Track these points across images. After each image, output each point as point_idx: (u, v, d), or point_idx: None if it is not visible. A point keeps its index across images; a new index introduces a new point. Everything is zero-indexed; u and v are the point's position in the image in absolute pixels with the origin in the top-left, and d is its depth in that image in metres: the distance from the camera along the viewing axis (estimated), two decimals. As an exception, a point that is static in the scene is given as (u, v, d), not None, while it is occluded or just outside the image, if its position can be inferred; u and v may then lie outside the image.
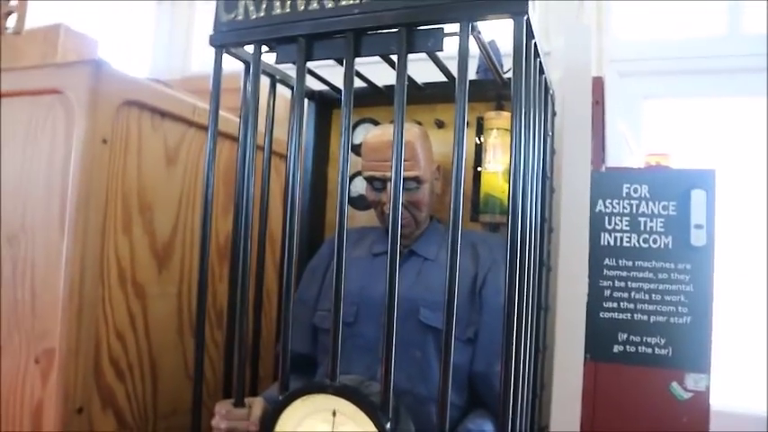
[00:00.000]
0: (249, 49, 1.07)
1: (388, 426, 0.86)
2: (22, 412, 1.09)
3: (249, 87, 1.08)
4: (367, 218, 1.48)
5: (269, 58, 1.09)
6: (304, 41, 0.99)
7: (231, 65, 1.11)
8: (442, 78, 1.28)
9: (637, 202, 1.35)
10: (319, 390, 0.92)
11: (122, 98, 1.15)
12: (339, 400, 0.90)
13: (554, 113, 1.35)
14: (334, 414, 0.91)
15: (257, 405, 1.00)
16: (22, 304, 1.12)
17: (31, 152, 1.14)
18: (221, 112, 1.37)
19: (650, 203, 1.34)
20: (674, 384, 1.29)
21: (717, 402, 1.32)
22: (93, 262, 1.10)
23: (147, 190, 1.23)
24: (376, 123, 1.50)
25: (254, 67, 1.05)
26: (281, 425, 0.95)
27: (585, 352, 1.32)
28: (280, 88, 1.29)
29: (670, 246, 1.32)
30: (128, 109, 1.17)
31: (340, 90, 0.96)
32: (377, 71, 1.33)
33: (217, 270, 1.44)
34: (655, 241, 1.33)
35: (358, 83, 1.33)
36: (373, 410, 0.87)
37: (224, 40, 1.05)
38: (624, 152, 1.67)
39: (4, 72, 1.21)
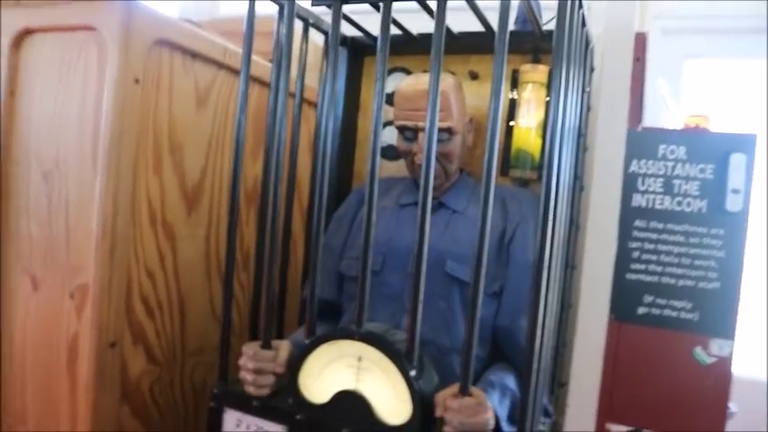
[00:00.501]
0: (284, -10, 1.05)
1: (413, 373, 0.88)
2: (59, 344, 1.13)
3: (283, 30, 1.06)
4: (395, 168, 1.47)
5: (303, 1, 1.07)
6: (341, -17, 0.96)
7: (261, 8, 1.09)
8: (478, 29, 1.24)
9: (672, 163, 1.32)
10: (346, 336, 0.93)
11: (154, 37, 1.13)
12: (365, 346, 0.92)
13: (592, 69, 1.31)
14: (359, 360, 0.93)
15: (284, 348, 1.02)
16: (57, 240, 1.14)
17: (65, 89, 1.14)
18: (254, 57, 1.36)
19: (687, 166, 1.31)
20: (698, 349, 1.28)
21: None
22: (125, 200, 1.11)
23: (178, 131, 1.23)
24: (408, 72, 1.47)
25: (288, 10, 1.03)
26: (306, 368, 0.97)
27: (609, 312, 1.32)
28: (310, 34, 1.27)
29: (704, 210, 1.29)
30: (159, 48, 1.16)
31: (373, 36, 0.94)
32: (408, 20, 1.30)
33: (244, 213, 1.45)
34: (689, 205, 1.30)
35: (391, 30, 1.31)
36: (398, 358, 0.89)
37: (258, -20, 1.03)
38: (662, 112, 1.62)
39: (38, 7, 1.20)
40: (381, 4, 0.93)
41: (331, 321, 1.26)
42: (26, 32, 1.18)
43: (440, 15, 0.88)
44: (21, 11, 1.19)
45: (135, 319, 1.16)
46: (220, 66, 1.33)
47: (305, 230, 1.42)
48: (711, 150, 1.29)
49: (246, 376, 1.00)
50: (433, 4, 0.90)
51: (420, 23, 1.22)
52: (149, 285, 1.19)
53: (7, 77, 1.19)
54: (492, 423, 0.87)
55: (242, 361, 1.01)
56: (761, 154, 1.29)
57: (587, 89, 1.25)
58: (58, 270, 1.13)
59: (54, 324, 1.14)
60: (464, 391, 0.86)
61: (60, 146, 1.14)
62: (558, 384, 1.33)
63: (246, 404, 1.01)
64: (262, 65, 1.38)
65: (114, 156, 1.08)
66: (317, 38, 1.34)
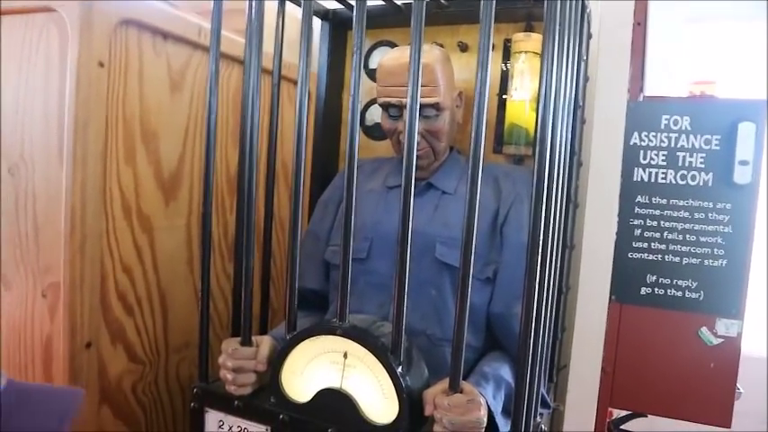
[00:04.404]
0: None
1: (399, 369, 0.82)
2: (33, 346, 1.08)
3: (254, 5, 0.98)
4: (384, 148, 1.39)
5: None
6: (312, -50, 0.88)
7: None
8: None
9: (676, 135, 1.24)
10: (328, 331, 0.87)
11: (119, 17, 1.06)
12: (348, 341, 0.86)
13: (589, 36, 1.23)
14: (344, 356, 0.87)
15: (265, 344, 0.96)
16: (25, 237, 1.08)
17: (27, 76, 1.07)
18: (231, 35, 1.28)
19: (691, 137, 1.23)
20: (704, 329, 1.22)
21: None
22: (94, 193, 1.05)
23: (151, 117, 1.16)
24: (394, 46, 1.39)
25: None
26: (289, 365, 0.92)
27: (611, 293, 1.26)
28: (292, 7, 1.19)
29: (710, 183, 1.21)
30: (126, 29, 1.08)
31: (353, 7, 0.87)
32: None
33: (228, 201, 1.39)
34: (693, 178, 1.22)
35: (374, 0, 1.22)
36: (384, 353, 0.83)
37: (225, -49, 0.95)
38: (664, 80, 1.54)
39: (-5, -12, 1.12)
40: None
41: (320, 311, 1.21)
42: (-18, 17, 1.11)
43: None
44: (-26, -6, 1.12)
45: (112, 317, 1.11)
46: (196, 46, 1.26)
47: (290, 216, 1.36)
48: (717, 120, 1.21)
49: (226, 375, 0.95)
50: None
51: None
52: (127, 281, 1.14)
53: (-33, 66, 1.13)
54: (485, 420, 0.82)
55: (221, 359, 0.96)
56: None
57: (584, 58, 1.18)
58: (28, 269, 1.08)
59: (27, 325, 1.08)
60: (454, 388, 0.80)
61: (26, 137, 1.08)
62: (558, 368, 1.27)
63: (228, 404, 0.95)
64: (240, 43, 1.31)
65: (80, 146, 1.02)
66: (298, 10, 1.26)
